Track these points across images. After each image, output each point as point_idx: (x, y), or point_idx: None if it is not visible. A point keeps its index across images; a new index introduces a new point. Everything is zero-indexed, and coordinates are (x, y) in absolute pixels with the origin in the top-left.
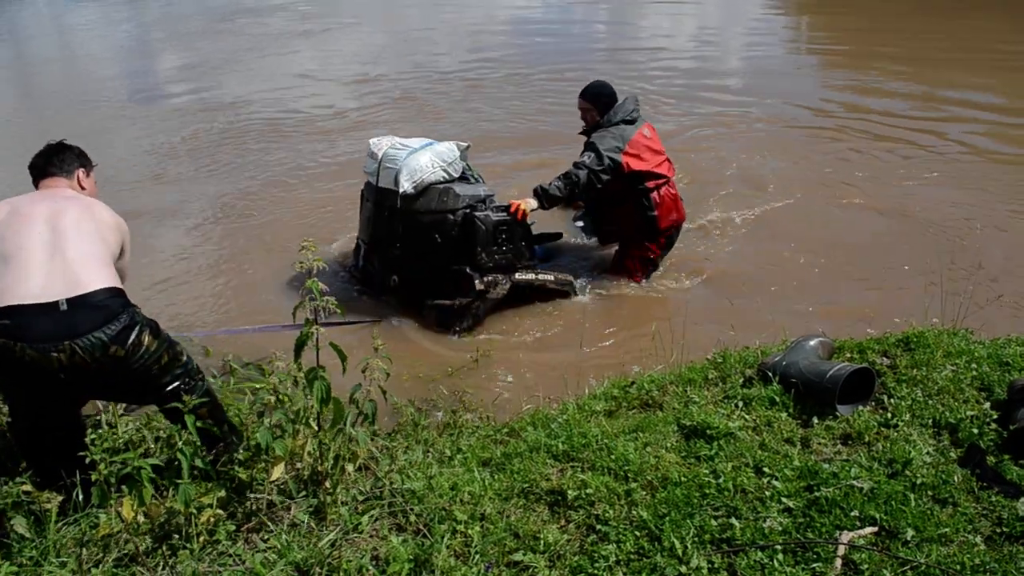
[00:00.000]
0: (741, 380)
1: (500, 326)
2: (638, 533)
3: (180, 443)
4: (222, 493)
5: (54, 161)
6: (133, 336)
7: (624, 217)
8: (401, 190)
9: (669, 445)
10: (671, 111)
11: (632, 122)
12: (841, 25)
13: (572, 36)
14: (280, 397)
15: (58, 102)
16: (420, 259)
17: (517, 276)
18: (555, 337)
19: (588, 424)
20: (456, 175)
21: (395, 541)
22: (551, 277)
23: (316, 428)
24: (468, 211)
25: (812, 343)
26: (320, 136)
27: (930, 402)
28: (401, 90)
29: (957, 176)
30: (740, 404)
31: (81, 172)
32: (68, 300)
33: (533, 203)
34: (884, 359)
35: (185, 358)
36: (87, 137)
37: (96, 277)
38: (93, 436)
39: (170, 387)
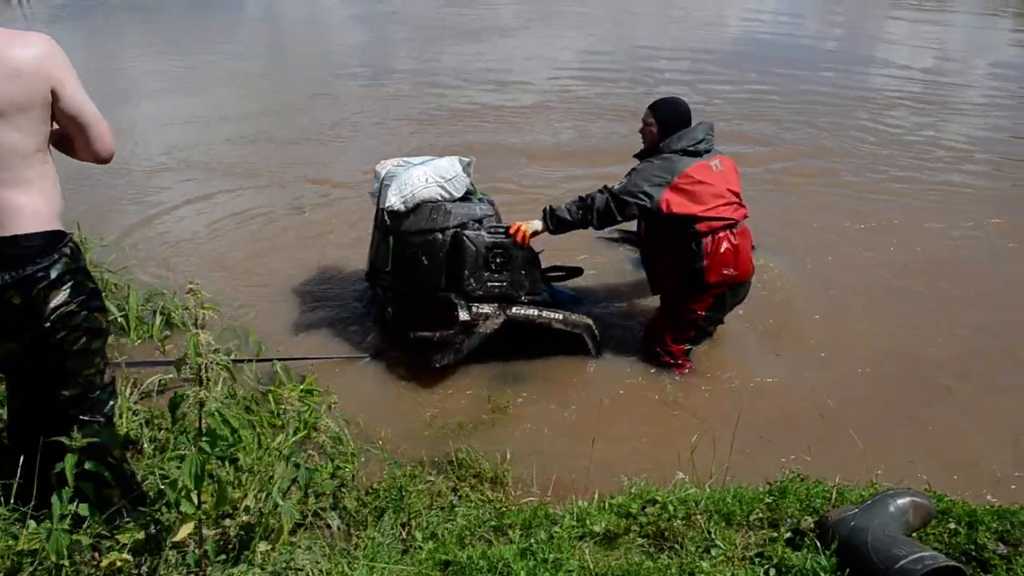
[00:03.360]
0: (791, 532)
1: (531, 381)
2: None
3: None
4: (141, 535)
5: None
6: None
7: (668, 264)
8: (387, 205)
9: None
10: (883, 150)
11: (696, 154)
12: None
13: (798, 55)
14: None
15: (306, 65)
16: (410, 285)
17: (513, 310)
18: (591, 412)
19: (572, 550)
20: (457, 194)
21: None
22: (558, 316)
23: (195, 507)
24: (458, 230)
25: (901, 502)
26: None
27: None
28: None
29: None
30: (772, 573)
31: None
32: None
33: (537, 225)
34: (1000, 546)
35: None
36: (292, 106)
37: (19, 215)
38: None
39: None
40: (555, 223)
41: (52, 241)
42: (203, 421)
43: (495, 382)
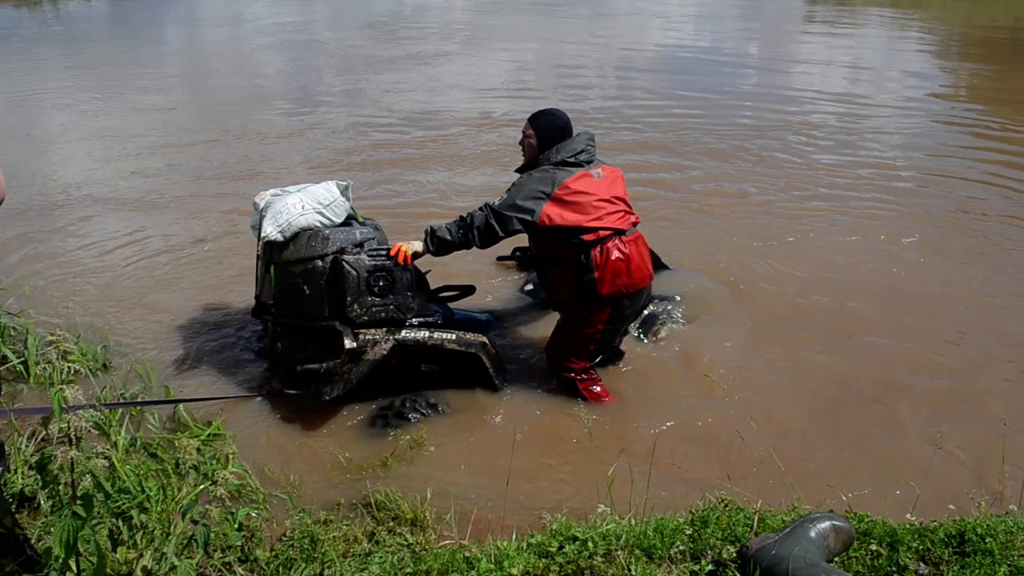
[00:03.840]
0: (713, 564)
1: (446, 416)
2: None
3: None
4: None
5: None
6: None
7: (561, 279)
8: (264, 235)
9: None
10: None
11: (576, 164)
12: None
13: (717, 71)
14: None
15: (220, 96)
16: (294, 317)
17: (402, 334)
18: (508, 445)
19: None
20: (337, 219)
21: None
22: (451, 336)
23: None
24: (337, 255)
25: (821, 527)
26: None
27: None
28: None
29: None
30: None
31: None
32: None
33: (418, 246)
34: (921, 565)
35: None
36: (238, 138)
37: None
38: None
39: None
40: (436, 244)
41: None
42: (75, 483)
43: (407, 418)
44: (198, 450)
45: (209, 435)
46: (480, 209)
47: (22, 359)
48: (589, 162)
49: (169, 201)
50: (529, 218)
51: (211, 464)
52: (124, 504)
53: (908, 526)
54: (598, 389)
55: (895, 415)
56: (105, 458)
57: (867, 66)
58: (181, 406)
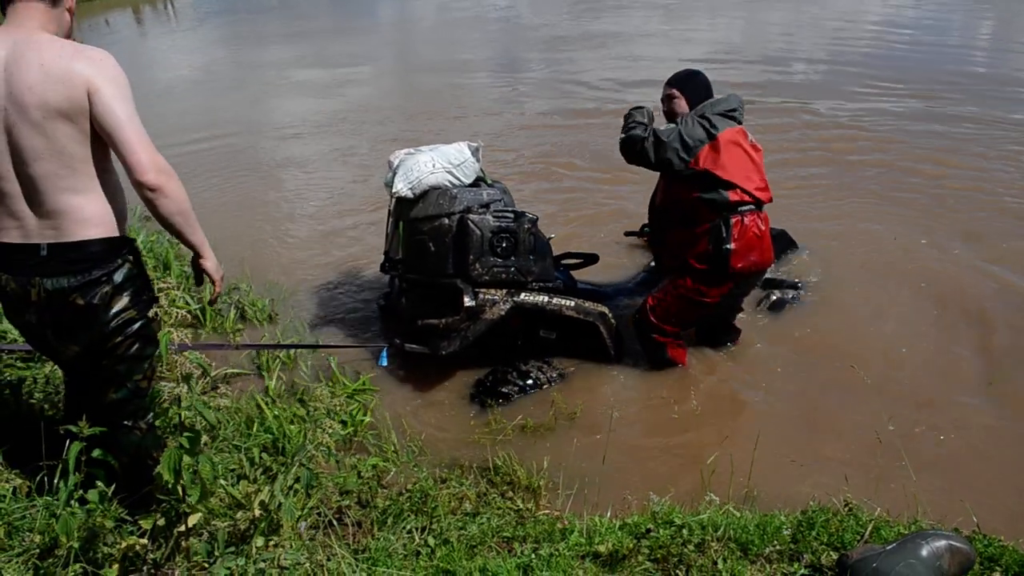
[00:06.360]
0: (809, 568)
1: (588, 385)
2: None
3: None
4: (162, 522)
5: None
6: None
7: (689, 244)
8: (394, 191)
9: None
10: None
11: (734, 120)
12: None
13: (942, 54)
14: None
15: (416, 67)
16: (419, 273)
17: (522, 296)
18: (623, 424)
19: (570, 570)
20: (467, 180)
21: None
22: (570, 303)
23: (180, 500)
24: (463, 214)
25: (936, 545)
26: None
27: None
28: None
29: None
30: None
31: None
32: (49, 246)
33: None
34: None
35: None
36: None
37: (81, 222)
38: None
39: (116, 396)
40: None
41: (116, 246)
42: (182, 417)
43: (533, 386)
44: (342, 400)
45: (355, 389)
46: (650, 134)
47: (200, 306)
48: (740, 123)
49: (352, 163)
50: (687, 157)
51: (347, 415)
52: (259, 442)
53: None
54: (681, 351)
55: None
56: (255, 401)
57: None
58: (333, 361)
